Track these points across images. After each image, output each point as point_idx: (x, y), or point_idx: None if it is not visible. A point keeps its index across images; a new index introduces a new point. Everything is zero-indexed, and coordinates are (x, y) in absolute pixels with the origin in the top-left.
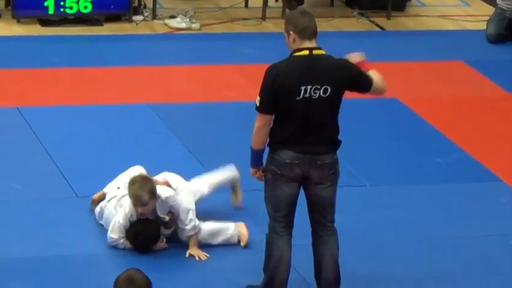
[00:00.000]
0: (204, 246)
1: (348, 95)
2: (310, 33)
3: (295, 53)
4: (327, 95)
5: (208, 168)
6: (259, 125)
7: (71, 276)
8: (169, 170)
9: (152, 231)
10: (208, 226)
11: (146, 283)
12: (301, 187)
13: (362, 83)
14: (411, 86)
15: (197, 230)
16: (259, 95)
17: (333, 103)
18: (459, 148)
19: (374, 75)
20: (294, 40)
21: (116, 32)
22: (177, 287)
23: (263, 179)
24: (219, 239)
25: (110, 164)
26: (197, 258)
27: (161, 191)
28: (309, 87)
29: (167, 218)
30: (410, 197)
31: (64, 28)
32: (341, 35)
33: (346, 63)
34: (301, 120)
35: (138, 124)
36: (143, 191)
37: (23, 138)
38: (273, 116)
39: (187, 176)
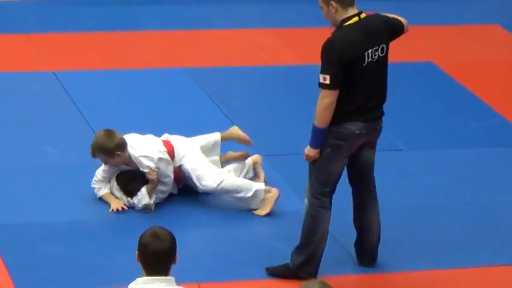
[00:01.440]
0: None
1: None
2: (351, 0)
3: (346, 22)
4: (384, 53)
5: (245, 131)
6: (330, 102)
7: (103, 240)
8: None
9: (135, 172)
10: (232, 181)
11: (171, 237)
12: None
13: (398, 29)
14: (447, 50)
15: (217, 185)
16: (326, 73)
17: (387, 61)
18: (495, 112)
19: (390, 15)
20: (336, 10)
21: None
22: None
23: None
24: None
25: (146, 129)
26: None
27: (132, 149)
28: (370, 51)
29: (146, 170)
30: (445, 161)
31: None
32: None
33: (384, 17)
34: (367, 86)
35: (174, 89)
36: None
37: (59, 102)
38: None
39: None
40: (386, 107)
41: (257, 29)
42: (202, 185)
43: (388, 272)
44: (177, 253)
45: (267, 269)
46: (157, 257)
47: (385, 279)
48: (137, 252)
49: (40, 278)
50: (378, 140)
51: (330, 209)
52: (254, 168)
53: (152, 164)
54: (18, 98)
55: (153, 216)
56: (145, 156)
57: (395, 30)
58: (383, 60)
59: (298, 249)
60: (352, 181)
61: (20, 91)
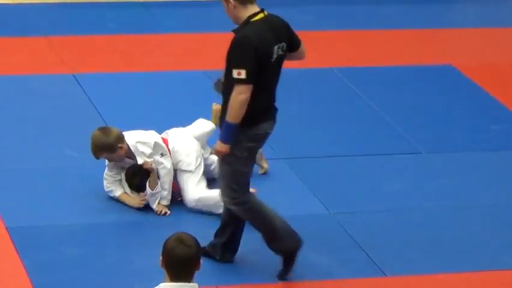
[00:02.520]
0: None
1: (402, 62)
2: None
3: (253, 18)
4: (284, 51)
5: None
6: (246, 97)
7: (124, 242)
8: None
9: (137, 166)
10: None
11: (196, 243)
12: None
13: (295, 38)
14: (466, 52)
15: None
16: (243, 67)
17: (284, 59)
18: None
19: None
20: (235, 7)
21: None
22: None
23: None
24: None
25: (166, 131)
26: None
27: (128, 139)
28: (276, 46)
29: (141, 161)
30: (465, 164)
31: None
32: (397, 1)
33: (282, 18)
34: (273, 83)
35: (194, 91)
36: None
37: (79, 105)
38: None
39: None
40: (404, 110)
41: None
42: (183, 198)
43: (410, 275)
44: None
45: (278, 277)
46: (182, 263)
47: (407, 282)
48: (161, 257)
49: (60, 281)
50: (398, 143)
51: (251, 194)
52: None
53: (148, 150)
54: (38, 101)
55: (171, 218)
56: (141, 142)
57: (293, 39)
58: (283, 58)
59: (270, 242)
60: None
61: (40, 93)
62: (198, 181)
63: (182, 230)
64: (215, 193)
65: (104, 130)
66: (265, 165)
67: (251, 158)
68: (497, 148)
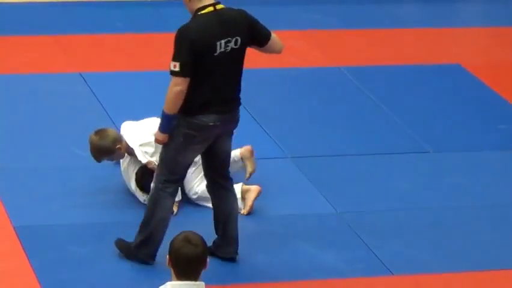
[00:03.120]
0: None
1: (410, 61)
2: None
3: (200, 11)
4: (238, 45)
5: (271, 134)
6: (180, 90)
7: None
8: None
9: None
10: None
11: (203, 242)
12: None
13: (260, 33)
14: (474, 51)
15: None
16: (177, 60)
17: (242, 54)
18: None
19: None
20: (189, 0)
21: None
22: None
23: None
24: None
25: None
26: None
27: (128, 140)
28: (222, 41)
29: (144, 162)
30: (473, 164)
31: None
32: (406, 0)
33: (244, 12)
34: (220, 77)
35: None
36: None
37: (87, 104)
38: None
39: (250, 142)
40: (412, 109)
41: (283, 31)
42: (185, 188)
43: (417, 274)
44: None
45: (115, 242)
46: (189, 262)
47: (414, 281)
48: (168, 256)
49: (67, 280)
50: (406, 142)
51: (174, 197)
52: (242, 160)
53: (150, 149)
54: (46, 100)
55: (178, 217)
56: (143, 144)
57: (254, 31)
58: (238, 53)
59: (139, 230)
60: (208, 171)
61: (48, 93)
62: (202, 174)
63: (189, 229)
64: None
65: (101, 134)
66: (249, 168)
67: (188, 146)
68: (505, 147)
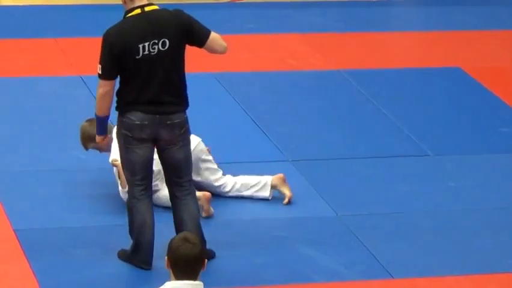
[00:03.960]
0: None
1: (410, 64)
2: None
3: (127, 14)
4: (166, 48)
5: (272, 137)
6: (104, 92)
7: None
8: (233, 140)
9: None
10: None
11: (201, 240)
12: (156, 149)
13: (198, 32)
14: (475, 55)
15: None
16: (100, 63)
17: (175, 56)
18: None
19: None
20: (125, 2)
21: (180, 1)
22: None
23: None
24: None
25: None
26: None
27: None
28: (146, 44)
29: (110, 159)
30: (473, 167)
31: None
32: (406, 3)
33: (179, 12)
34: (146, 79)
35: (202, 93)
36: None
37: (87, 107)
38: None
39: (251, 145)
40: (412, 112)
41: (284, 33)
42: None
43: (417, 277)
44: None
45: (118, 254)
46: (187, 261)
47: (414, 285)
48: (166, 257)
49: (68, 283)
50: (406, 145)
51: (148, 198)
52: (275, 188)
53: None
54: (46, 102)
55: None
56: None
57: (190, 30)
58: (169, 56)
59: (131, 248)
60: (165, 176)
61: (48, 95)
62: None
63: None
64: None
65: (92, 122)
66: (288, 193)
67: (129, 147)
68: (506, 150)
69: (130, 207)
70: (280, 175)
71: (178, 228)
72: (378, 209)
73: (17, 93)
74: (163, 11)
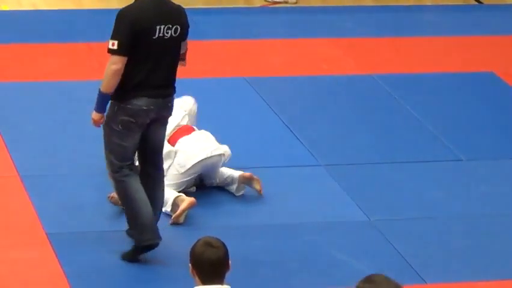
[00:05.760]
0: None
1: (442, 69)
2: None
3: None
4: (177, 34)
5: (304, 141)
6: (118, 68)
7: (162, 249)
8: (265, 144)
9: None
10: None
11: (223, 244)
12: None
13: (187, 31)
14: (508, 60)
15: None
16: (116, 38)
17: (180, 43)
18: None
19: None
20: None
21: (212, 5)
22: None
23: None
24: None
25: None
26: None
27: None
28: (162, 26)
29: None
30: (506, 172)
31: None
32: (439, 8)
33: (182, 8)
34: (156, 62)
35: (234, 98)
36: None
37: None
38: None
39: (283, 150)
40: (445, 116)
41: (317, 38)
42: None
43: (449, 282)
44: (230, 260)
45: (122, 256)
46: (212, 265)
47: None
48: (190, 264)
49: (100, 286)
50: (439, 150)
51: (136, 175)
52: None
53: None
54: (79, 107)
55: (201, 228)
56: None
57: (186, 30)
58: (177, 42)
59: (129, 227)
60: (140, 158)
61: (80, 99)
62: (169, 181)
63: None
64: (168, 195)
65: None
66: (257, 186)
67: (128, 133)
68: None
69: (124, 187)
70: (247, 174)
71: (151, 204)
72: (411, 213)
73: (52, 97)
74: (171, 2)
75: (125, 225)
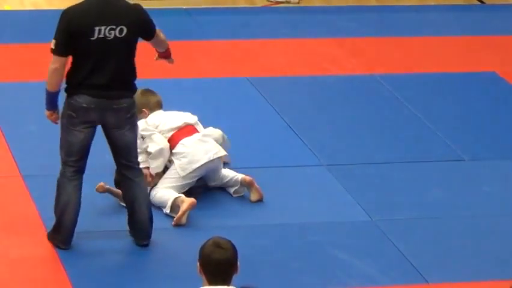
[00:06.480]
0: None
1: (445, 69)
2: None
3: None
4: (122, 35)
5: (307, 141)
6: (56, 67)
7: (167, 249)
8: (267, 144)
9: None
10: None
11: (232, 246)
12: (103, 132)
13: (149, 29)
14: (510, 60)
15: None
16: (55, 38)
17: (129, 44)
18: None
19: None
20: None
21: (214, 5)
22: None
23: (58, 122)
24: None
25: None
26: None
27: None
28: (103, 27)
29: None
30: (508, 172)
31: (162, 1)
32: (441, 8)
33: (139, 6)
34: (97, 62)
35: (237, 97)
36: None
37: None
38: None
39: (286, 150)
40: (447, 116)
41: (319, 38)
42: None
43: (452, 282)
44: (239, 262)
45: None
46: (220, 266)
47: None
48: (198, 263)
49: (102, 286)
50: (441, 150)
51: (78, 180)
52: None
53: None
54: None
55: (201, 228)
56: (143, 129)
57: (143, 26)
58: (124, 43)
59: (51, 229)
60: (114, 158)
61: None
62: (170, 183)
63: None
64: (168, 196)
65: (144, 92)
66: (253, 198)
67: (72, 128)
68: None
69: (59, 184)
70: (249, 178)
71: (132, 207)
72: (413, 213)
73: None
74: (125, 2)
75: (126, 226)
